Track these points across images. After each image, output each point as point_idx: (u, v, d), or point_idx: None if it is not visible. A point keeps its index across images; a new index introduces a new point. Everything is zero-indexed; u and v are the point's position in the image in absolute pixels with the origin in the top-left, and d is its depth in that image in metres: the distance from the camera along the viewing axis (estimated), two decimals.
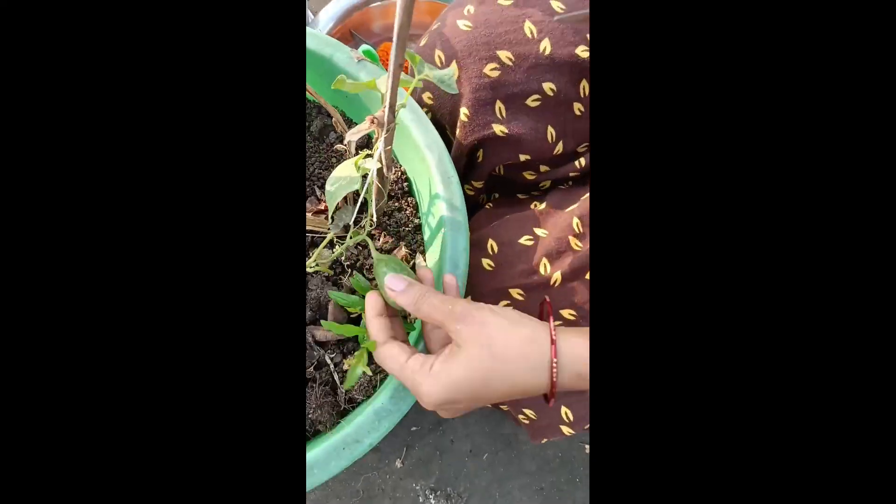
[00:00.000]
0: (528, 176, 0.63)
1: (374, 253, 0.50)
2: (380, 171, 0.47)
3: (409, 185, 0.61)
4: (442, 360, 0.40)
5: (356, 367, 0.47)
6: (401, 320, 0.48)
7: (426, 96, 0.61)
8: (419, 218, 0.60)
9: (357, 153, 0.48)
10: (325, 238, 0.54)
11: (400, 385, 0.47)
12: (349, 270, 0.56)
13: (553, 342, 0.38)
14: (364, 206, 0.56)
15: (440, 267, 0.51)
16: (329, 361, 0.51)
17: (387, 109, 0.36)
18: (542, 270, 0.55)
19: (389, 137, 0.40)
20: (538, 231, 0.57)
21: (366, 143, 0.64)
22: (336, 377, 0.50)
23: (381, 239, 0.58)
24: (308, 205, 0.57)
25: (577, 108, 0.56)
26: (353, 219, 0.51)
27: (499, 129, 0.57)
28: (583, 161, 0.59)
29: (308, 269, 0.53)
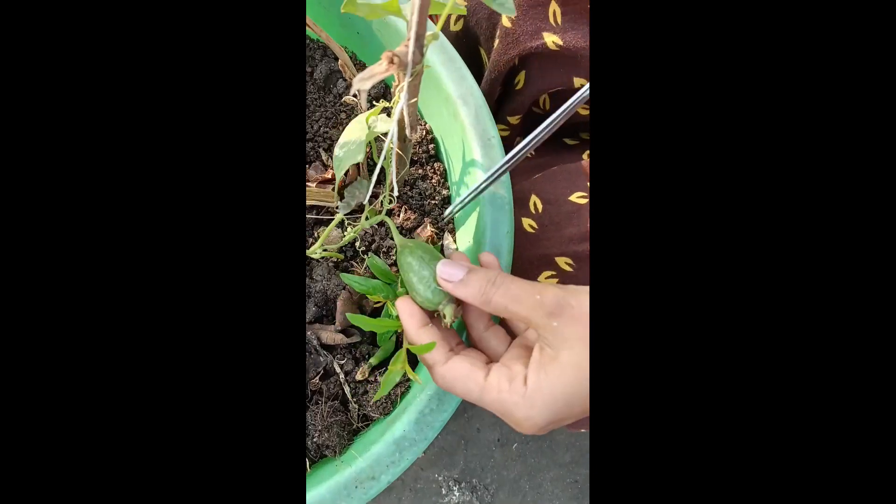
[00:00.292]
0: (583, 111, 0.51)
1: (397, 238, 0.39)
2: (401, 131, 0.35)
3: (436, 147, 0.50)
4: (537, 371, 0.31)
5: (392, 373, 0.37)
6: (445, 327, 0.37)
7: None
8: (448, 189, 0.48)
9: (373, 106, 0.37)
10: (332, 216, 0.43)
11: (426, 408, 0.37)
12: (363, 255, 0.45)
13: None
14: (381, 177, 0.45)
15: (475, 254, 0.40)
16: (338, 370, 0.41)
17: (412, 43, 0.25)
18: None
19: (415, 86, 0.29)
20: None
21: (382, 93, 0.52)
22: (347, 389, 0.41)
23: (402, 215, 0.47)
24: (311, 172, 0.46)
25: None
26: (367, 197, 0.40)
27: (551, 39, 0.44)
28: None
29: (313, 255, 0.43)
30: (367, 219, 0.41)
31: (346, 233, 0.45)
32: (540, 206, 0.50)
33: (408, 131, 0.33)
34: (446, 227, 0.47)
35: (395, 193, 0.41)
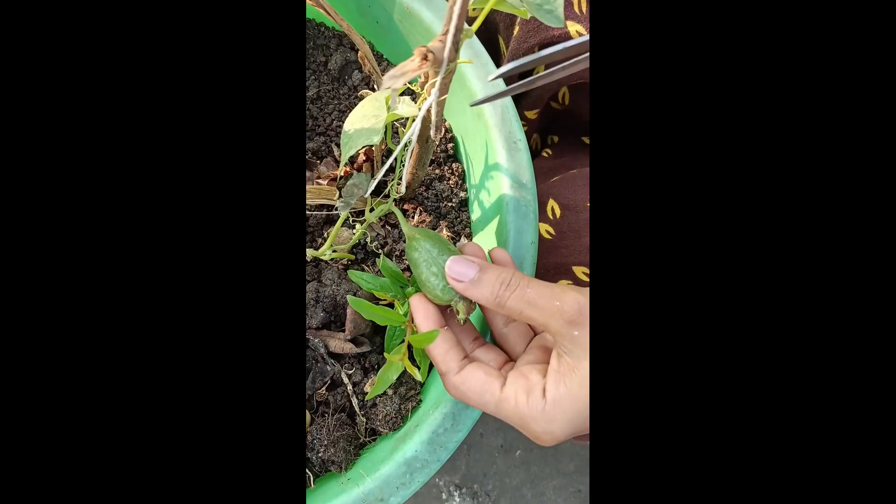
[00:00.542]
0: None
1: (405, 228, 0.36)
2: (424, 129, 0.33)
3: (456, 147, 0.47)
4: (556, 383, 0.29)
5: (391, 366, 0.34)
6: (460, 323, 0.35)
7: None
8: (465, 191, 0.46)
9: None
10: (338, 210, 0.41)
11: (440, 427, 0.35)
12: (376, 251, 0.43)
13: None
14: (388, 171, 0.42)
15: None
16: (346, 380, 0.39)
17: (450, 38, 0.22)
18: None
19: (446, 83, 0.26)
20: None
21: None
22: (355, 402, 0.39)
23: (416, 216, 0.45)
24: (322, 168, 0.44)
25: None
26: (369, 191, 0.37)
27: (574, 28, 0.42)
28: None
29: (322, 257, 0.40)
30: (371, 210, 0.39)
31: (354, 232, 0.42)
32: (558, 212, 0.47)
33: (432, 132, 0.30)
34: (462, 231, 0.45)
35: (404, 186, 0.38)
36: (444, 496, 0.80)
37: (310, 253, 0.40)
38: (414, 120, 0.31)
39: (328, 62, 0.48)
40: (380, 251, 0.43)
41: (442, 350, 0.32)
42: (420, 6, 0.43)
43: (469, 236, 0.45)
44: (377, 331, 0.41)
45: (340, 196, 0.39)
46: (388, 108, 0.33)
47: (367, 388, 0.39)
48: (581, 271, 0.46)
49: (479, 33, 0.48)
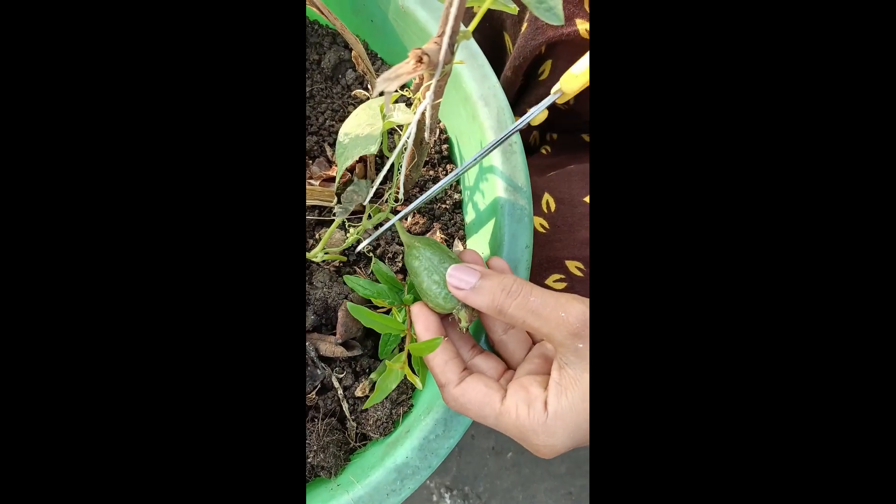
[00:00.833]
0: None
1: (403, 236, 0.36)
2: (419, 132, 0.32)
3: (450, 148, 0.47)
4: (557, 396, 0.29)
5: (390, 373, 0.34)
6: (461, 331, 0.35)
7: None
8: (460, 192, 0.45)
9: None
10: (335, 216, 0.40)
11: (431, 433, 0.34)
12: (367, 254, 0.42)
13: None
14: (385, 176, 0.42)
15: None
16: (337, 384, 0.38)
17: (445, 40, 0.22)
18: None
19: (441, 87, 0.26)
20: None
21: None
22: (345, 406, 0.38)
23: (410, 219, 0.44)
24: (315, 169, 0.43)
25: None
26: (368, 198, 0.37)
27: (584, 27, 0.41)
28: None
29: (314, 259, 0.40)
30: (369, 217, 0.38)
31: (348, 234, 0.41)
32: (553, 206, 0.47)
33: (426, 134, 0.30)
34: (456, 233, 0.44)
35: (402, 193, 0.38)
36: (434, 498, 0.80)
37: None
38: (409, 126, 0.31)
39: (321, 61, 0.47)
40: (371, 254, 0.42)
41: (441, 361, 0.32)
42: (415, 6, 0.42)
43: (463, 239, 0.44)
44: (368, 334, 0.40)
45: (339, 202, 0.39)
46: (384, 116, 0.32)
47: (358, 392, 0.38)
48: (574, 266, 0.45)
49: (484, 31, 0.47)
